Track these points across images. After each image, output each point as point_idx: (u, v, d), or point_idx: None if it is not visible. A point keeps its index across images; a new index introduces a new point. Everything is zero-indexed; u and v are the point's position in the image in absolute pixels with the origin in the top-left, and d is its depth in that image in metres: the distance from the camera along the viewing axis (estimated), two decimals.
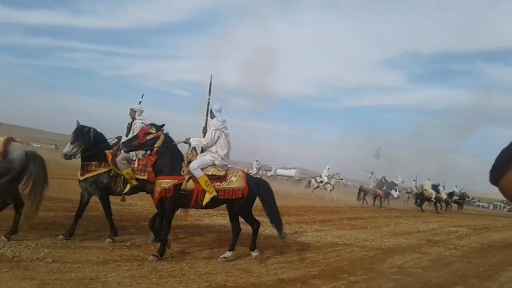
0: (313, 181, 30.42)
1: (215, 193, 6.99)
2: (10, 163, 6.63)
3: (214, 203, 7.22)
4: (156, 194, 6.95)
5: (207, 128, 7.48)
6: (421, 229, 16.27)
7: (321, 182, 29.36)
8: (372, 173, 30.58)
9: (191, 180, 7.00)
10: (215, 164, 7.21)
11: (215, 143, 7.30)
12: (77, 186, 8.11)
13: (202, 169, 7.04)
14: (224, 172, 7.23)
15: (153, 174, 7.20)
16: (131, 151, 7.42)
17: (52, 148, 56.69)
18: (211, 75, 7.97)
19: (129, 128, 8.35)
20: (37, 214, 7.04)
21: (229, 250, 7.41)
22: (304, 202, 22.53)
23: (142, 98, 8.73)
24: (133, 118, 8.34)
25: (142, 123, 8.09)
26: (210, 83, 7.91)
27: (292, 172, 56.36)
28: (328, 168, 29.66)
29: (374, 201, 27.49)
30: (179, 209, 7.70)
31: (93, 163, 7.60)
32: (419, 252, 10.63)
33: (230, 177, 7.23)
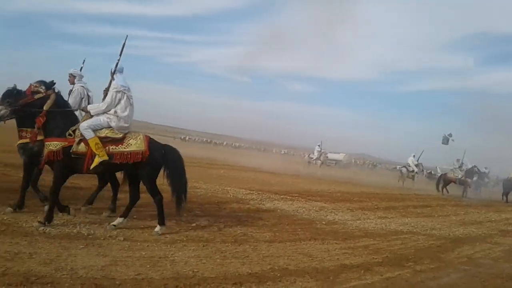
0: (404, 170, 28.65)
1: (106, 158, 6.51)
2: None
3: (108, 167, 6.77)
4: (44, 157, 6.50)
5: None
6: (492, 219, 15.45)
7: (413, 171, 28.04)
8: (458, 160, 27.27)
9: (82, 143, 6.53)
10: (111, 126, 6.74)
11: (116, 105, 6.85)
12: None
13: (94, 131, 6.59)
14: (121, 135, 6.74)
15: (43, 136, 6.66)
16: (16, 111, 6.70)
17: None
18: (127, 35, 7.51)
19: (69, 94, 7.94)
20: None
21: (121, 217, 6.97)
22: (366, 189, 22.11)
23: (83, 63, 8.41)
24: (73, 83, 7.99)
25: (82, 86, 7.88)
26: (124, 43, 7.43)
27: (340, 156, 54.92)
28: (414, 156, 28.63)
29: (464, 191, 24.65)
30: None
31: (28, 129, 7.10)
32: (491, 243, 10.11)
33: (129, 140, 6.72)
